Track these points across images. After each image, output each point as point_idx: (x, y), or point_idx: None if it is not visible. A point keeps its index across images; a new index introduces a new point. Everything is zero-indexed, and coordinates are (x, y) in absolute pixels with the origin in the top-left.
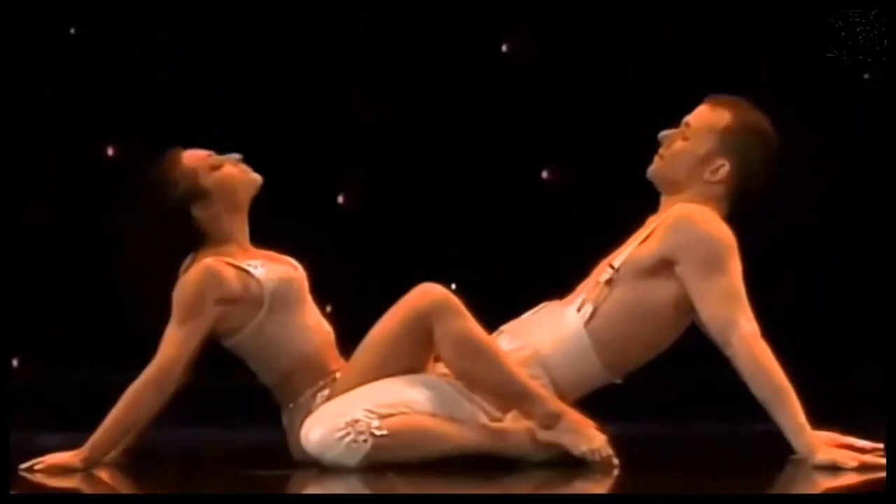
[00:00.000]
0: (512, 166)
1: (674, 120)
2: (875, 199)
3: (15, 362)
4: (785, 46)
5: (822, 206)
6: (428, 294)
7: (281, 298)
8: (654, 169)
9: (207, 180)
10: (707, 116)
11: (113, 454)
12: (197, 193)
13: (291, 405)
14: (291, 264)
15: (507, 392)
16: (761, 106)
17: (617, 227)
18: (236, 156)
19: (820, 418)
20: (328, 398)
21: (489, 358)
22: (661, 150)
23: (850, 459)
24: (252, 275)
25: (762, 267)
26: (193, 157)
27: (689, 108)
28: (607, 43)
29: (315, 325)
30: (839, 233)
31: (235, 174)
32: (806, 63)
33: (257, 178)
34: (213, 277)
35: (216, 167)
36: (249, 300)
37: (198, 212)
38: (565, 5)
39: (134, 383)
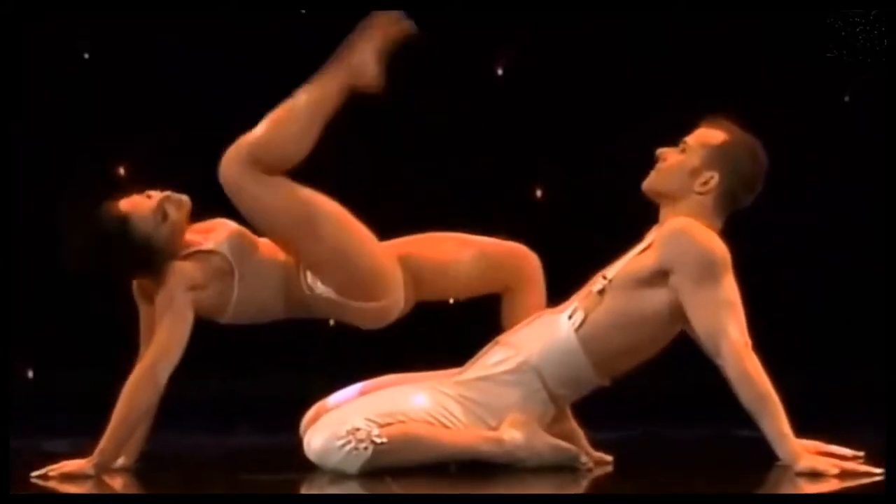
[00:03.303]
0: (511, 176)
1: (672, 129)
2: (875, 199)
3: (30, 373)
4: (785, 46)
5: (822, 206)
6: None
7: (239, 249)
8: (648, 182)
9: (160, 238)
10: (703, 134)
11: (123, 461)
12: (156, 257)
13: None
14: (216, 224)
15: None
16: (760, 106)
17: (615, 240)
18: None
19: (819, 418)
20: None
21: None
22: (657, 165)
23: (831, 467)
24: (205, 250)
25: (762, 267)
26: (142, 220)
27: (688, 114)
28: (605, 51)
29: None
30: (839, 233)
31: (178, 223)
32: (806, 63)
33: (187, 203)
34: (176, 274)
35: (164, 219)
36: (218, 272)
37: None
38: (565, 5)
39: (128, 383)
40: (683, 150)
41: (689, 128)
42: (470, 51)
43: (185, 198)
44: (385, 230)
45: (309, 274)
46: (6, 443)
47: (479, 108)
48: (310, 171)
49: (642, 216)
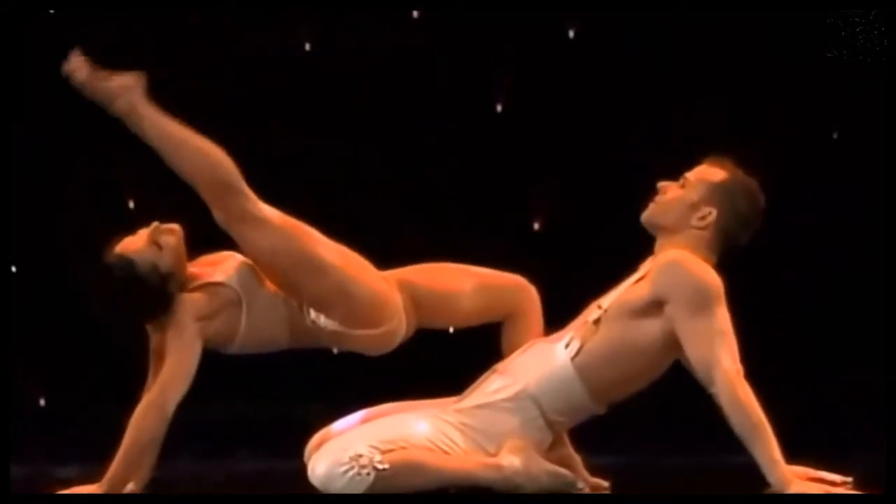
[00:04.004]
0: (509, 207)
1: (673, 139)
2: (875, 199)
3: (42, 401)
4: (785, 47)
5: (822, 206)
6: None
7: (248, 281)
8: (648, 214)
9: (164, 267)
10: (703, 171)
11: (131, 486)
12: (167, 285)
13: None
14: (225, 257)
15: None
16: (760, 106)
17: (611, 270)
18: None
19: (819, 419)
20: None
21: None
22: (657, 197)
23: (821, 492)
24: (214, 282)
25: (763, 266)
26: (140, 256)
27: (689, 119)
28: (603, 79)
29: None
30: (839, 233)
31: (175, 248)
32: (806, 63)
33: (178, 228)
34: (185, 304)
35: (160, 248)
36: (227, 304)
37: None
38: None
39: (136, 412)
40: (683, 185)
41: (690, 142)
42: (470, 79)
43: (174, 225)
44: (383, 260)
45: (312, 309)
46: (6, 447)
47: (477, 140)
48: (307, 202)
49: (643, 245)
